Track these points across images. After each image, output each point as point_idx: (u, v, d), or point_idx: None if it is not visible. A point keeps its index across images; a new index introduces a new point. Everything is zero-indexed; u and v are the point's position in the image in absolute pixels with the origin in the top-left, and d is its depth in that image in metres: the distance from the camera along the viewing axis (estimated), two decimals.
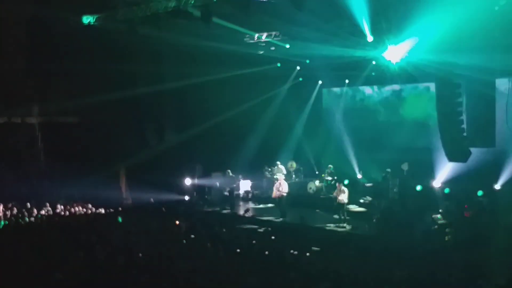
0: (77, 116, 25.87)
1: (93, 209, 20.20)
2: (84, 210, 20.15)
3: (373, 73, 23.97)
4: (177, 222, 17.24)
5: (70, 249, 13.59)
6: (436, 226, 16.53)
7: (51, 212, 19.61)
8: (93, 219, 18.63)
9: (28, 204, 19.81)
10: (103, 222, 17.91)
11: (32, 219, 18.67)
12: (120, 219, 15.07)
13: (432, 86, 21.53)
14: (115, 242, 14.38)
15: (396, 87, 24.78)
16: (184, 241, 14.54)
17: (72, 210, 19.96)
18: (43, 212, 19.50)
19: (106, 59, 20.75)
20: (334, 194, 18.86)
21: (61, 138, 22.84)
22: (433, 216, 17.21)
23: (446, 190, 19.33)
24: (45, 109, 25.56)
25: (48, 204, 20.02)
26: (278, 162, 23.75)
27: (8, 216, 18.75)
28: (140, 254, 12.76)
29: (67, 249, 13.64)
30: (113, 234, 15.18)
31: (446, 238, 15.77)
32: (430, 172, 20.43)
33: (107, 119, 24.77)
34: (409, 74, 22.54)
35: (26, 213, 18.94)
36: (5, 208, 19.20)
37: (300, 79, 26.33)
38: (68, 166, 21.72)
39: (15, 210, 19.26)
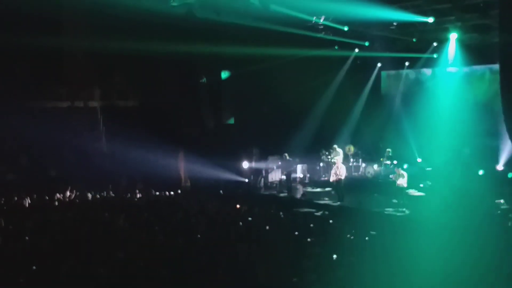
0: (137, 100, 26.41)
1: (153, 191, 20.57)
2: (145, 192, 20.54)
3: (434, 55, 23.51)
4: (238, 206, 17.39)
5: (132, 229, 13.94)
6: (499, 211, 16.11)
7: (112, 194, 20.11)
8: (153, 201, 18.99)
9: (90, 186, 20.37)
10: (163, 204, 18.26)
11: (94, 199, 19.21)
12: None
13: (496, 67, 20.88)
14: (175, 223, 14.66)
15: (458, 69, 24.11)
16: (241, 223, 14.66)
17: (133, 191, 20.37)
18: (104, 193, 20.02)
19: (166, 43, 20.98)
20: (393, 178, 18.63)
21: (121, 122, 23.32)
22: (496, 201, 16.77)
23: (510, 175, 18.79)
24: (106, 93, 26.20)
25: (110, 186, 20.53)
26: (335, 146, 23.58)
27: (72, 197, 19.33)
28: (199, 235, 12.97)
29: (128, 229, 14.00)
30: (173, 216, 15.45)
31: (510, 224, 15.35)
32: (493, 156, 19.89)
33: (166, 102, 25.14)
34: (471, 55, 22.03)
35: (88, 194, 19.47)
36: (70, 190, 19.77)
37: (358, 61, 26.02)
38: (129, 149, 22.16)
39: (77, 192, 19.82)
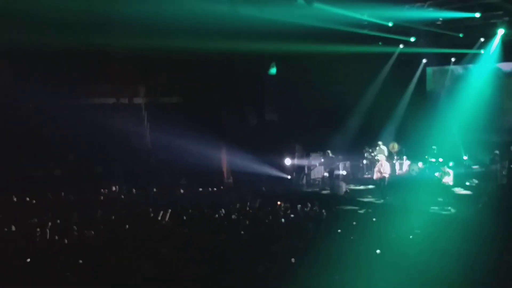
0: (180, 97, 26.67)
1: (196, 187, 20.74)
2: (188, 188, 20.72)
3: (481, 51, 23.01)
4: (279, 203, 17.38)
5: (175, 225, 14.08)
6: None
7: (156, 189, 20.34)
8: (196, 197, 19.13)
9: (135, 181, 20.68)
10: (206, 200, 18.38)
11: (139, 195, 19.47)
12: None
13: None
14: (217, 219, 14.74)
15: (505, 65, 23.54)
16: (283, 220, 14.64)
17: (177, 187, 20.58)
18: (148, 189, 20.27)
19: (209, 40, 21.11)
20: (438, 176, 18.32)
21: (165, 118, 23.58)
22: None
23: None
24: (151, 90, 26.55)
25: (154, 182, 20.79)
26: (379, 143, 23.32)
27: (117, 191, 19.66)
28: (242, 232, 13.00)
29: (172, 225, 14.14)
30: (216, 212, 15.54)
31: None
32: None
33: (209, 99, 25.30)
34: None
35: (133, 190, 19.75)
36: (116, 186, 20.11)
37: (403, 57, 25.64)
38: (172, 145, 22.40)
39: (122, 187, 20.14)
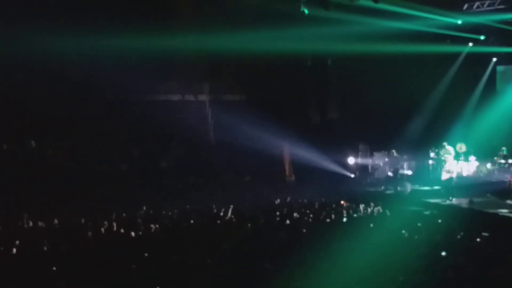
0: (244, 94, 26.84)
1: (259, 185, 20.84)
2: (250, 185, 20.85)
3: None
4: (343, 202, 17.28)
5: (236, 222, 14.22)
6: None
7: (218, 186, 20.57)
8: (259, 194, 19.24)
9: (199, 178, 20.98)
10: (268, 198, 18.45)
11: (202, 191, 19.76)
12: None
13: None
14: (279, 217, 14.77)
15: None
16: (345, 219, 14.53)
17: (239, 184, 20.75)
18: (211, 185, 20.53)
19: (272, 39, 21.14)
20: (509, 178, 17.74)
21: (229, 115, 23.77)
22: None
23: None
24: (215, 87, 26.85)
25: (217, 178, 21.05)
26: (445, 143, 22.76)
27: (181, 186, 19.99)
28: (304, 230, 12.99)
29: (233, 221, 14.30)
30: (277, 209, 15.58)
31: None
32: None
33: (272, 97, 25.38)
34: None
35: (197, 185, 20.07)
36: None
37: (472, 56, 24.93)
38: (235, 142, 22.57)
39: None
